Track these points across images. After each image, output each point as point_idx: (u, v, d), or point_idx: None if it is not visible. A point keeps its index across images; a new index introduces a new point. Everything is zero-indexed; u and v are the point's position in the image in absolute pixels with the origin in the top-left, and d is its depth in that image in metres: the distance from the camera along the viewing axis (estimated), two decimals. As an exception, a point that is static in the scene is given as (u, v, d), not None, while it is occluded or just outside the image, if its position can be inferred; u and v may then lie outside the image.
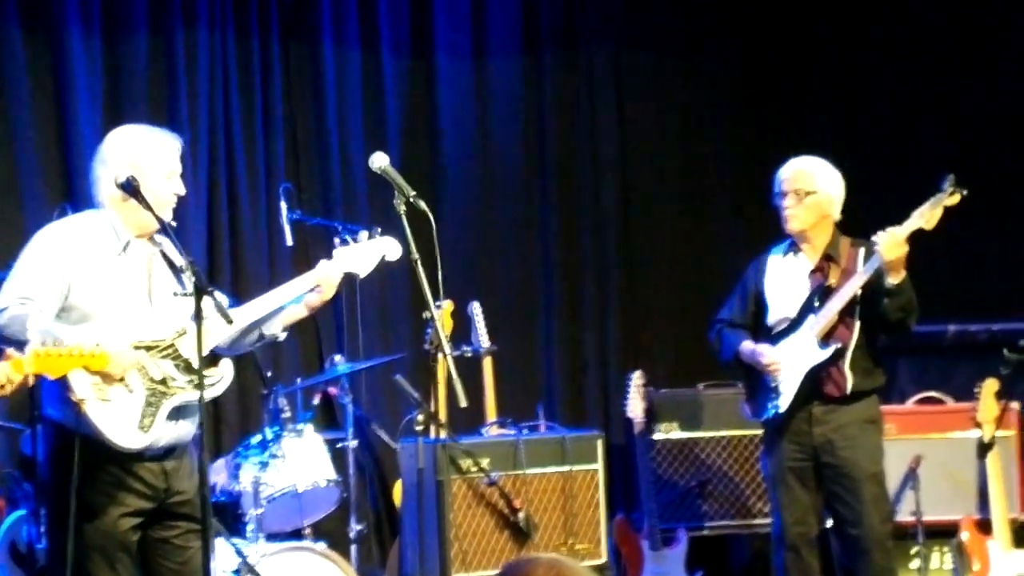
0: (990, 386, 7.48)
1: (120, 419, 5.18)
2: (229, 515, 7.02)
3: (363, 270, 5.82)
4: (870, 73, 9.36)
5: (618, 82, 9.37)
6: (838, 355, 6.52)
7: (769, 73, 9.49)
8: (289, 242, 7.54)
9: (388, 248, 5.69)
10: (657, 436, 8.09)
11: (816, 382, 6.56)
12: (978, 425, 7.47)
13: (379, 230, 5.70)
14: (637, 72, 9.43)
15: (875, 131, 9.29)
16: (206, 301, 5.07)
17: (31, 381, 4.92)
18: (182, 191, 5.53)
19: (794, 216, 6.64)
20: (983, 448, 7.48)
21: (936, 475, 7.66)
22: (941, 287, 8.60)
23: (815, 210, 6.64)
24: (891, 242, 6.33)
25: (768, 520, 7.08)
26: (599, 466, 6.84)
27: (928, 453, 7.65)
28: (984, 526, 7.47)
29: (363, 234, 5.77)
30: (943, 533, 7.68)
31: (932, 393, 8.20)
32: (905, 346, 8.26)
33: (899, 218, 6.40)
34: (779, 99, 9.47)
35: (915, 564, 7.62)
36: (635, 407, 7.87)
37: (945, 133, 9.11)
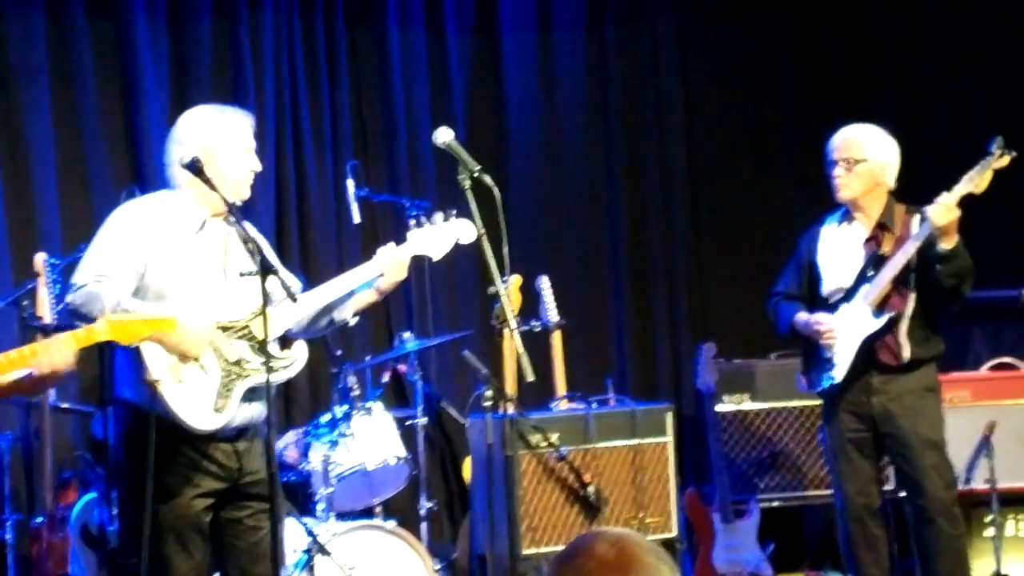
0: (1064, 350, 7.41)
1: (195, 400, 5.21)
2: (299, 494, 7.06)
3: (437, 253, 5.82)
4: (932, 38, 9.26)
5: (682, 54, 9.34)
6: (892, 324, 6.47)
7: (832, 40, 9.42)
8: (357, 219, 7.56)
9: (463, 231, 5.68)
10: (728, 407, 8.06)
11: (872, 351, 6.51)
12: (1053, 390, 7.40)
13: (454, 212, 5.68)
14: (701, 43, 9.39)
15: (941, 97, 9.19)
16: (271, 280, 5.08)
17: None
18: (258, 167, 5.57)
19: (844, 185, 6.59)
20: (1058, 414, 7.41)
21: (1010, 442, 7.59)
22: (1013, 251, 8.54)
23: (866, 178, 6.58)
24: (941, 208, 6.27)
25: (840, 491, 7.05)
26: (669, 439, 6.81)
27: (1002, 420, 7.57)
28: (1059, 492, 7.42)
29: (438, 216, 5.76)
30: (1018, 500, 7.62)
31: (1006, 359, 8.11)
32: (978, 312, 8.18)
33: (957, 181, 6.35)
34: (842, 66, 9.39)
35: (990, 532, 7.55)
36: (706, 378, 7.84)
37: (1014, 99, 8.99)
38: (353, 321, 5.82)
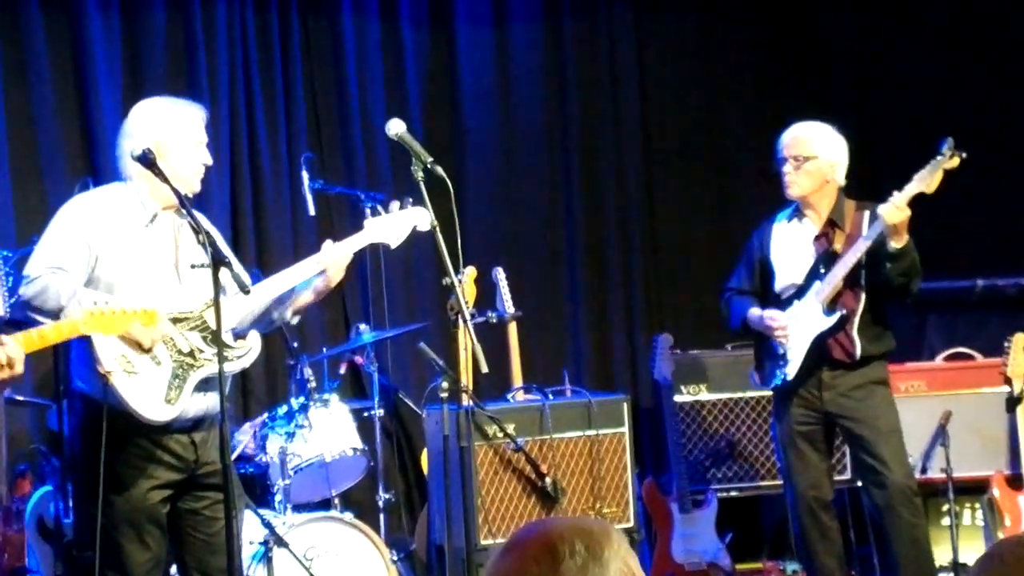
0: (1020, 340, 7.41)
1: (147, 391, 5.20)
2: (257, 486, 7.05)
3: (394, 241, 5.83)
4: (888, 34, 9.30)
5: (638, 47, 9.32)
6: (844, 321, 6.53)
7: (791, 34, 9.43)
8: (312, 211, 7.55)
9: (419, 218, 5.68)
10: (685, 398, 8.08)
11: (824, 348, 6.58)
12: (1008, 380, 7.39)
13: (410, 200, 5.70)
14: (657, 36, 9.38)
15: (898, 95, 9.23)
16: (223, 272, 5.06)
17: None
18: (209, 161, 5.57)
19: (793, 182, 6.64)
20: (1013, 403, 7.40)
21: (966, 431, 7.62)
22: (968, 242, 8.59)
23: (815, 176, 6.63)
24: (891, 208, 6.32)
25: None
26: (626, 429, 6.81)
27: (957, 409, 7.60)
28: (1015, 482, 7.44)
29: (394, 204, 5.77)
30: (974, 490, 7.65)
31: (961, 349, 8.16)
32: (933, 302, 8.22)
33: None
34: (799, 61, 9.42)
35: (946, 521, 7.59)
36: (663, 370, 7.85)
37: (970, 94, 9.03)
38: (294, 320, 5.82)
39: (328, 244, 5.69)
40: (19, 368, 4.65)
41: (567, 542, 2.59)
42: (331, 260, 5.64)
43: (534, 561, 2.59)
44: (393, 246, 5.88)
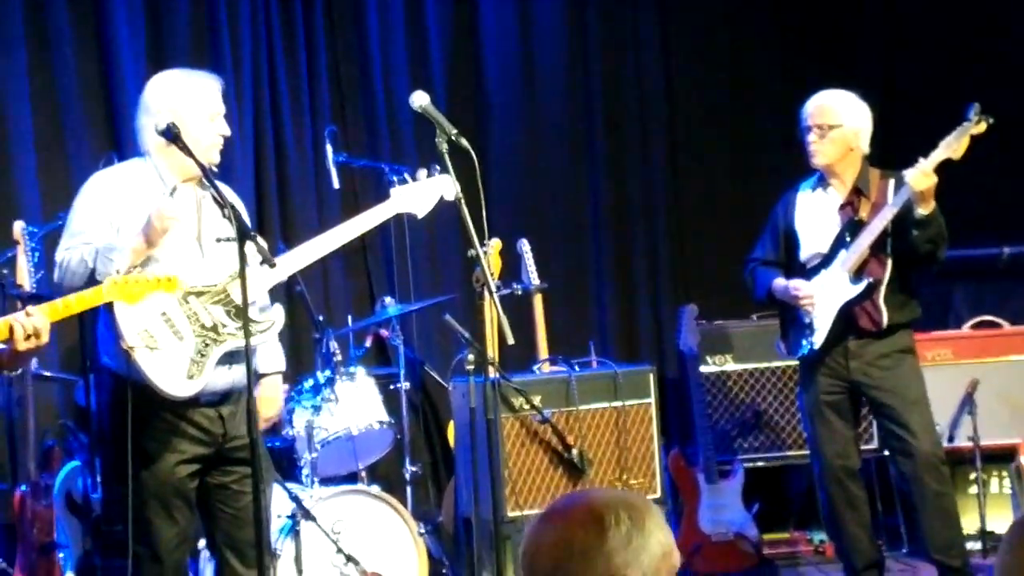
0: (1047, 308, 7.43)
1: (169, 367, 5.21)
2: (284, 460, 7.06)
3: (421, 210, 5.81)
4: (918, 7, 9.24)
5: (663, 16, 9.28)
6: (871, 289, 6.51)
7: (817, 5, 9.38)
8: (336, 185, 7.55)
9: (446, 187, 5.64)
10: (711, 368, 8.07)
11: (850, 317, 6.55)
12: (1035, 348, 7.41)
13: (437, 168, 5.66)
14: (682, 6, 9.34)
15: (924, 61, 9.18)
16: (249, 246, 5.05)
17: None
18: (227, 132, 5.54)
19: (818, 151, 6.61)
20: (1040, 371, 7.43)
21: (993, 399, 7.62)
22: (995, 209, 8.55)
23: (839, 144, 6.59)
24: (919, 174, 6.29)
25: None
26: (652, 400, 6.80)
27: (985, 377, 7.60)
28: (1043, 450, 7.44)
29: (421, 172, 5.76)
30: (1001, 457, 7.66)
31: (988, 317, 8.14)
32: (960, 271, 8.18)
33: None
34: (825, 30, 9.37)
35: (974, 489, 7.58)
36: (688, 340, 7.84)
37: (998, 61, 8.98)
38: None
39: (353, 220, 5.69)
40: (45, 338, 4.66)
41: (612, 511, 2.62)
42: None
43: (580, 528, 2.61)
44: (420, 215, 5.86)
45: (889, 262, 6.54)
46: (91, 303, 4.86)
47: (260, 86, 8.36)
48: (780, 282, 6.72)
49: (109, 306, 5.13)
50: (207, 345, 5.27)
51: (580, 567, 2.60)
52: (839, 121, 6.58)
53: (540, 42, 9.12)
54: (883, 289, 6.53)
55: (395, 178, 5.93)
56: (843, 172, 6.64)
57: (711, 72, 9.37)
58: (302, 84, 8.49)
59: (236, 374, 5.31)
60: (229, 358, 5.31)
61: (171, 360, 5.21)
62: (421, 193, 5.76)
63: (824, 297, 6.56)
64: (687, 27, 9.35)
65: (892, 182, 6.55)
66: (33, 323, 4.63)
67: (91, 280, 5.15)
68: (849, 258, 6.52)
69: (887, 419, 6.60)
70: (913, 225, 6.39)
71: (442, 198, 5.73)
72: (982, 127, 6.35)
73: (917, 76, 9.17)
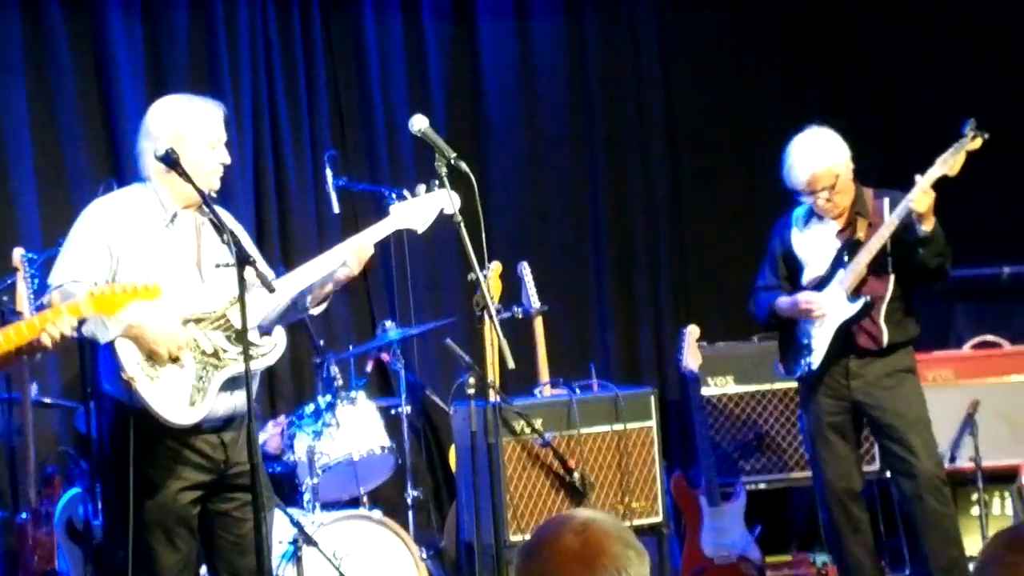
0: (1048, 328, 7.42)
1: (170, 395, 5.19)
2: (285, 485, 7.05)
3: (421, 225, 5.76)
4: (910, 18, 9.24)
5: (661, 38, 9.31)
6: (869, 308, 6.50)
7: (813, 24, 9.41)
8: (336, 209, 7.53)
9: (446, 201, 5.58)
10: (712, 391, 8.06)
11: (849, 336, 6.55)
12: (1036, 368, 7.40)
13: (436, 182, 5.61)
14: (680, 27, 9.36)
15: (921, 82, 9.19)
16: (248, 271, 5.04)
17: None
18: (227, 160, 5.51)
19: (836, 206, 6.60)
20: (1041, 391, 7.42)
21: (994, 420, 7.61)
22: (995, 229, 8.55)
23: (845, 188, 6.61)
24: (919, 193, 6.30)
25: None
26: (653, 423, 6.80)
27: (986, 398, 7.59)
28: (1045, 470, 7.43)
29: (420, 188, 5.72)
30: (1003, 478, 7.63)
31: (989, 337, 8.12)
32: (960, 290, 8.19)
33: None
34: (822, 49, 9.39)
35: (975, 510, 7.56)
36: (690, 362, 7.83)
37: (987, 80, 8.99)
38: (316, 311, 5.77)
39: (351, 239, 5.67)
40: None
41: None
42: (353, 252, 5.60)
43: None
44: (420, 231, 5.81)
45: (891, 280, 6.54)
46: (73, 315, 4.80)
47: (260, 111, 8.38)
48: (784, 299, 6.71)
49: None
50: (208, 371, 5.25)
51: None
52: (835, 172, 6.56)
53: (539, 64, 9.14)
54: (884, 307, 6.53)
55: (393, 195, 5.89)
56: (842, 201, 6.64)
57: (710, 96, 9.38)
58: (301, 109, 8.50)
59: (238, 399, 5.29)
60: (230, 384, 5.30)
61: (173, 388, 5.20)
62: (420, 208, 5.72)
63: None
64: (686, 52, 9.37)
65: (887, 200, 6.57)
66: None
67: (78, 329, 5.14)
68: (847, 277, 6.52)
69: (888, 439, 6.59)
70: (918, 244, 6.40)
71: (442, 212, 5.69)
72: (977, 143, 6.36)
73: (913, 97, 9.17)
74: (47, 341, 4.72)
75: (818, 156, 6.59)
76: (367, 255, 5.62)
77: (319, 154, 8.18)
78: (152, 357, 5.17)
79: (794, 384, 7.55)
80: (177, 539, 5.35)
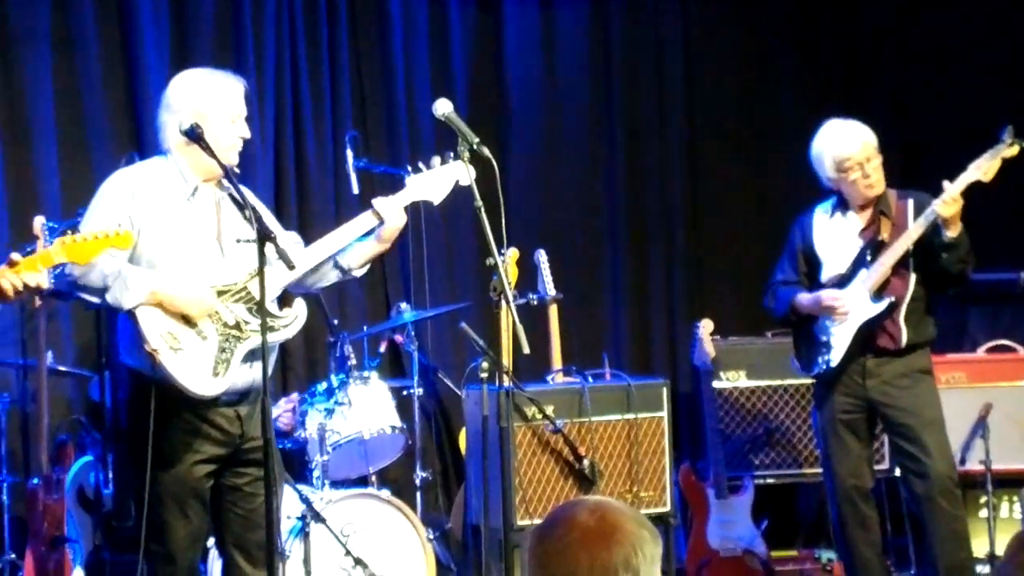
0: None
1: (194, 367, 5.20)
2: (295, 462, 7.07)
3: (437, 197, 5.75)
4: (933, 18, 9.24)
5: (685, 29, 9.31)
6: (892, 308, 6.50)
7: (833, 18, 9.41)
8: (355, 190, 7.54)
9: (461, 173, 5.56)
10: (723, 384, 8.06)
11: (868, 335, 6.54)
12: (1049, 373, 7.40)
13: (451, 155, 5.60)
14: (704, 18, 9.36)
15: (939, 80, 9.18)
16: (269, 247, 5.06)
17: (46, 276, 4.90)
18: (247, 134, 5.52)
19: (877, 182, 6.57)
20: (1054, 397, 7.41)
21: (1006, 424, 7.60)
22: (1012, 234, 8.54)
23: (882, 170, 6.59)
24: (948, 200, 6.28)
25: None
26: (664, 414, 6.81)
27: (998, 402, 7.58)
28: (1054, 475, 7.43)
29: (435, 160, 5.71)
30: (1013, 482, 7.63)
31: (1003, 341, 8.12)
32: (976, 295, 8.18)
33: (958, 169, 6.35)
34: (843, 46, 9.40)
35: (984, 513, 7.56)
36: (702, 355, 7.84)
37: (1008, 82, 8.98)
38: (360, 272, 5.77)
39: (379, 199, 5.67)
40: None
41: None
42: (385, 210, 5.60)
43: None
44: (436, 202, 5.80)
45: (912, 280, 6.54)
46: (46, 264, 4.81)
47: (282, 89, 8.39)
48: (805, 296, 6.69)
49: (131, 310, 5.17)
50: (231, 343, 5.26)
51: None
52: (876, 146, 6.58)
53: (562, 53, 9.14)
54: (904, 308, 6.53)
55: (409, 167, 5.88)
56: (879, 182, 6.62)
57: (731, 89, 9.39)
58: (324, 88, 8.51)
59: (256, 372, 5.29)
60: (251, 356, 5.30)
61: (196, 360, 5.21)
62: (436, 180, 5.71)
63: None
64: (709, 41, 9.36)
65: (911, 202, 6.55)
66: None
67: (101, 295, 5.17)
68: (870, 277, 6.51)
69: (903, 439, 6.58)
70: (942, 248, 6.38)
71: (457, 184, 5.68)
72: (1015, 150, 6.33)
73: (937, 96, 9.16)
74: (8, 289, 4.72)
75: (861, 128, 6.61)
76: (400, 212, 5.62)
77: (340, 134, 8.21)
78: (185, 321, 5.19)
79: (805, 380, 7.57)
80: (190, 512, 5.37)
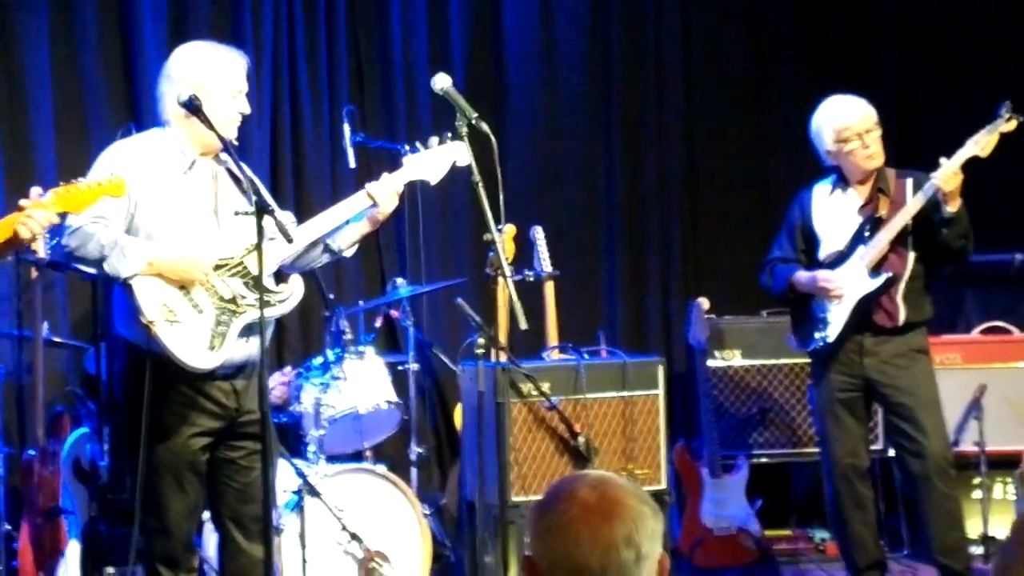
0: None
1: (190, 340, 5.21)
2: (291, 436, 7.08)
3: (434, 177, 5.77)
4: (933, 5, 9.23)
5: (684, 11, 9.27)
6: (889, 284, 6.50)
7: (834, 2, 9.39)
8: (352, 164, 7.55)
9: (459, 153, 5.59)
10: (718, 363, 8.08)
11: (866, 313, 6.54)
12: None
13: (449, 135, 5.62)
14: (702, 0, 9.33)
15: (941, 60, 9.17)
16: (267, 220, 5.06)
17: (54, 221, 4.92)
18: (247, 110, 5.52)
19: (877, 153, 6.58)
20: (1048, 378, 7.43)
21: (1000, 405, 7.63)
22: (1007, 215, 8.55)
23: (881, 143, 6.60)
24: (948, 173, 6.29)
25: (829, 449, 7.07)
26: (660, 392, 6.80)
27: (992, 383, 7.60)
28: (1048, 457, 7.44)
29: (433, 140, 5.72)
30: (1006, 463, 7.65)
31: (998, 323, 8.14)
32: (971, 276, 8.18)
33: (957, 148, 6.36)
34: (843, 28, 9.37)
35: (977, 494, 7.59)
36: (697, 334, 7.85)
37: (1010, 64, 8.97)
38: (349, 253, 5.80)
39: (369, 184, 5.68)
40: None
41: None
42: (380, 192, 5.61)
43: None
44: (433, 182, 5.81)
45: (911, 258, 6.54)
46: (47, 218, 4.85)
47: (279, 63, 8.37)
48: (803, 274, 6.70)
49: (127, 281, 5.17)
50: (227, 317, 5.27)
51: None
52: (878, 123, 6.59)
53: (561, 29, 9.10)
54: (902, 286, 6.53)
55: (407, 147, 5.89)
56: (880, 154, 6.63)
57: (730, 69, 9.35)
58: (321, 63, 8.49)
59: (253, 347, 5.30)
60: (247, 330, 5.31)
61: (192, 333, 5.22)
62: (434, 160, 5.72)
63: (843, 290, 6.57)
64: (708, 23, 9.32)
65: (910, 181, 6.56)
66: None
67: (99, 265, 5.17)
68: (868, 253, 6.51)
69: (899, 418, 6.59)
70: (942, 224, 6.39)
71: (455, 164, 5.69)
72: (1012, 125, 6.35)
73: (932, 74, 9.15)
74: (25, 233, 4.78)
75: (861, 101, 6.63)
76: (395, 194, 5.62)
77: (336, 109, 8.19)
78: (183, 292, 5.19)
79: (800, 359, 7.59)
80: (186, 484, 5.38)
